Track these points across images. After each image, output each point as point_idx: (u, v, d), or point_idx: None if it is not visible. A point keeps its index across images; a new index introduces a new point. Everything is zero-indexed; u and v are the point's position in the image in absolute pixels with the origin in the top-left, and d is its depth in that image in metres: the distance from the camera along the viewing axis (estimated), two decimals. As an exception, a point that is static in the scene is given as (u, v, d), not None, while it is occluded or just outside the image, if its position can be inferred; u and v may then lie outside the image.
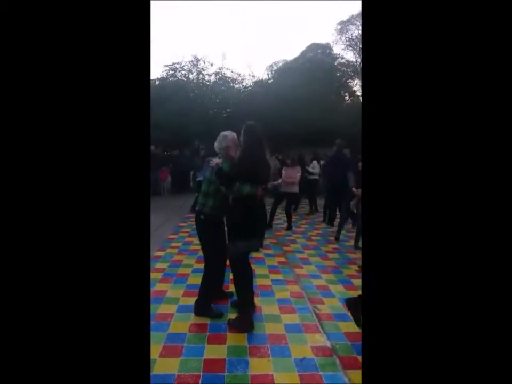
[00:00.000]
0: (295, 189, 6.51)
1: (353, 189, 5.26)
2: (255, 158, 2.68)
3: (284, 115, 11.70)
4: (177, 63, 14.27)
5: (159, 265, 4.24)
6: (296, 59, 17.78)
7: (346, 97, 19.11)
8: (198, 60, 14.30)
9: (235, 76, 14.65)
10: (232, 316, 2.91)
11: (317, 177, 8.38)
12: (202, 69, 14.43)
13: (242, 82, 14.93)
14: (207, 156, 6.60)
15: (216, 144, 2.93)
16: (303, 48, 18.55)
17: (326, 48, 18.56)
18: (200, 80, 14.33)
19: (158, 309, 3.05)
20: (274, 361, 2.35)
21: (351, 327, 2.67)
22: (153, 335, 2.59)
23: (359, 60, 19.19)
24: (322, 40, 22.53)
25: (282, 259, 4.71)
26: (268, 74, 17.83)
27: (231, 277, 3.19)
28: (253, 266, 3.06)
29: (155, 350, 2.41)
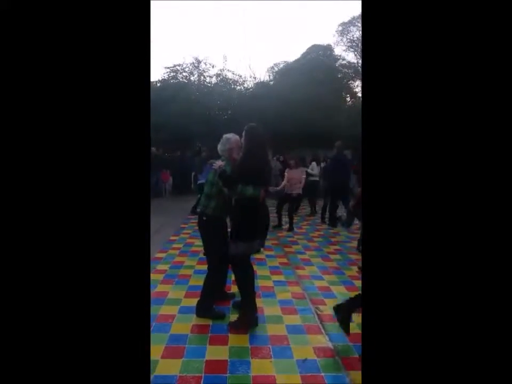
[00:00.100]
0: (299, 190, 6.52)
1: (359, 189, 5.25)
2: (256, 160, 2.68)
3: (285, 116, 11.72)
4: (178, 65, 14.33)
5: (160, 267, 4.24)
6: (297, 60, 17.78)
7: (348, 99, 19.12)
8: (199, 62, 14.36)
9: (236, 78, 14.70)
10: (234, 317, 2.91)
11: (316, 178, 8.39)
12: (203, 70, 14.48)
13: (243, 84, 14.98)
14: (208, 157, 6.62)
15: (219, 146, 2.94)
16: (304, 50, 18.56)
17: (327, 49, 18.55)
18: (202, 82, 14.37)
19: (159, 310, 3.05)
20: (276, 362, 2.34)
21: (353, 328, 2.66)
22: (155, 336, 2.60)
23: (360, 61, 19.19)
24: (323, 41, 22.55)
25: (284, 260, 4.70)
26: (269, 75, 17.86)
27: (232, 278, 3.19)
28: (255, 267, 3.06)
29: (157, 351, 2.42)
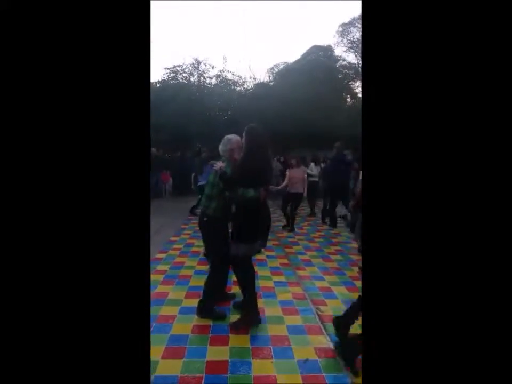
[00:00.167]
0: (301, 189, 6.52)
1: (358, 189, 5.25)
2: (257, 160, 2.68)
3: (285, 117, 11.74)
4: (178, 66, 14.36)
5: (160, 267, 4.24)
6: (297, 61, 17.80)
7: (348, 99, 19.13)
8: (199, 63, 14.38)
9: (236, 79, 14.73)
10: (234, 317, 2.90)
11: (316, 179, 8.39)
12: (203, 71, 14.50)
13: (243, 84, 15.01)
14: (208, 158, 6.62)
15: (220, 147, 2.94)
16: (304, 51, 18.57)
17: (327, 50, 18.56)
18: (202, 83, 14.40)
19: (160, 311, 3.05)
20: (277, 363, 2.34)
21: (354, 328, 2.66)
22: (156, 337, 2.60)
23: (360, 62, 19.19)
24: (323, 42, 22.52)
25: (285, 261, 4.70)
26: (269, 76, 17.88)
27: (233, 278, 3.18)
28: (255, 268, 3.06)
29: (157, 352, 2.41)
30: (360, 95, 17.88)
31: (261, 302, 3.18)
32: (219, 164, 2.77)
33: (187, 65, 14.38)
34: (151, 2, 1.21)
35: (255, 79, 15.61)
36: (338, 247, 5.50)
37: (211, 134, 9.22)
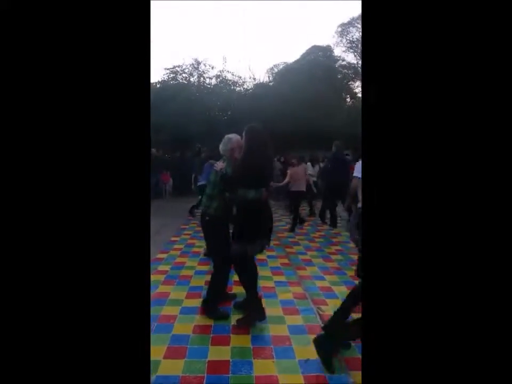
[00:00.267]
0: (303, 187, 6.52)
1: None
2: (257, 159, 2.68)
3: (285, 117, 11.74)
4: (178, 66, 14.38)
5: (161, 267, 4.24)
6: (297, 61, 17.81)
7: (348, 99, 19.14)
8: (198, 63, 14.40)
9: (236, 79, 14.75)
10: (236, 317, 2.90)
11: (314, 178, 8.39)
12: (203, 72, 14.52)
13: (243, 85, 15.03)
14: (208, 158, 6.62)
15: (221, 146, 2.94)
16: (304, 51, 18.61)
17: (326, 50, 18.58)
18: (201, 83, 14.41)
19: (161, 311, 3.05)
20: (278, 363, 2.34)
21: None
22: (157, 337, 2.60)
23: (360, 62, 19.20)
24: (323, 42, 22.63)
25: (285, 261, 4.70)
26: (268, 76, 17.90)
27: (234, 278, 3.18)
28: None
29: (159, 352, 2.41)
30: (359, 95, 17.90)
31: (261, 302, 3.18)
32: (220, 164, 2.77)
33: (187, 65, 14.41)
34: (151, 2, 1.21)
35: (254, 79, 15.65)
36: (338, 247, 5.50)
37: (211, 134, 9.23)
